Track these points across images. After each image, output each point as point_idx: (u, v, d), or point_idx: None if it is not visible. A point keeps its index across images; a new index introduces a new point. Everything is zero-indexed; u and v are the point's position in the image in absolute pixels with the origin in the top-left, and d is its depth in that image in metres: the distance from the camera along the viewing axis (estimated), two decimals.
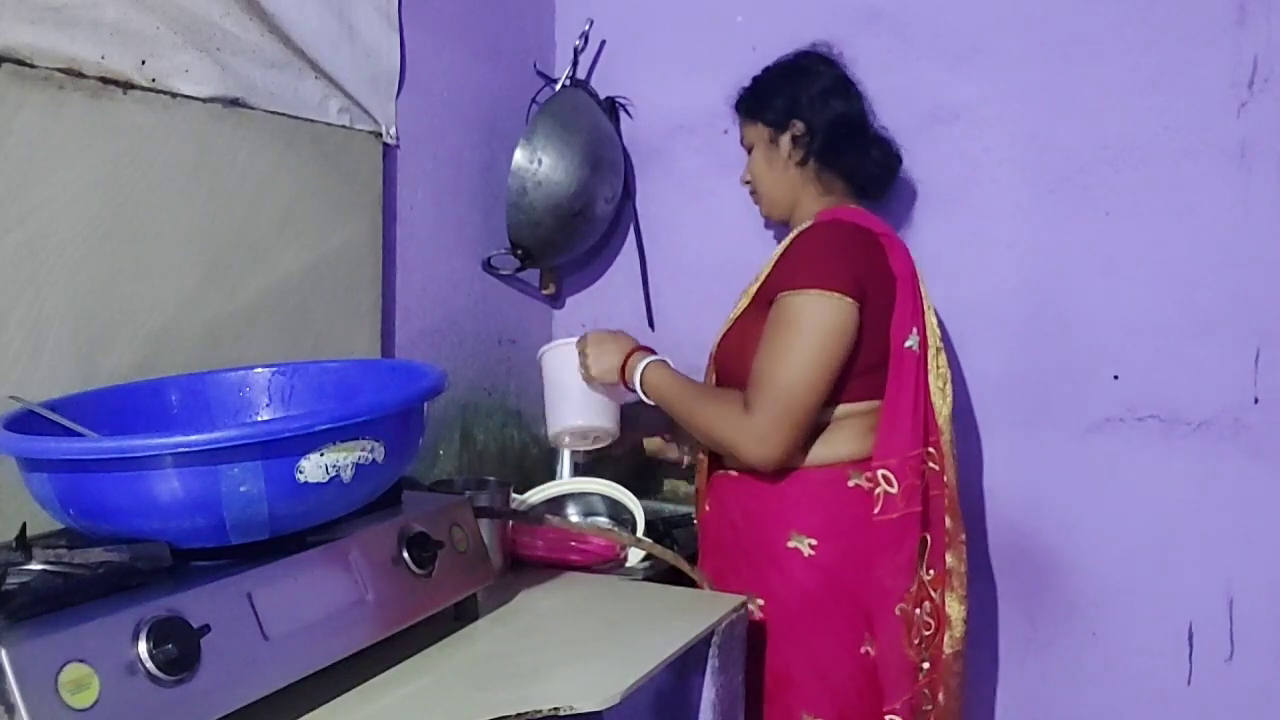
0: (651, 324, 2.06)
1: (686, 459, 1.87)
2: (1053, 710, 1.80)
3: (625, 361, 1.63)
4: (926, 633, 1.51)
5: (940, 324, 1.61)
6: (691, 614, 1.28)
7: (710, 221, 2.03)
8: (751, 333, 1.51)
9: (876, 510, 1.47)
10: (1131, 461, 1.71)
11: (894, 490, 1.47)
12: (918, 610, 1.49)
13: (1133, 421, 1.71)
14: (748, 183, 1.69)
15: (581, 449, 1.82)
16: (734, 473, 1.58)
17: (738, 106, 1.67)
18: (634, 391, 1.63)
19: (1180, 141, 1.65)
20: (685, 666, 1.25)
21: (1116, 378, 1.72)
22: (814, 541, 1.47)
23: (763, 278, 1.56)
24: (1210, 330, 1.65)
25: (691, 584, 1.46)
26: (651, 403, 1.61)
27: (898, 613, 1.47)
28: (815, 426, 1.50)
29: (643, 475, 2.10)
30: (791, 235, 1.57)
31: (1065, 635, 1.78)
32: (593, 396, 1.71)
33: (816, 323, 1.44)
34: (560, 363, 1.72)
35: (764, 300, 1.52)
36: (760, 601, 1.48)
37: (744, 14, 1.97)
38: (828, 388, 1.46)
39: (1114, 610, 1.74)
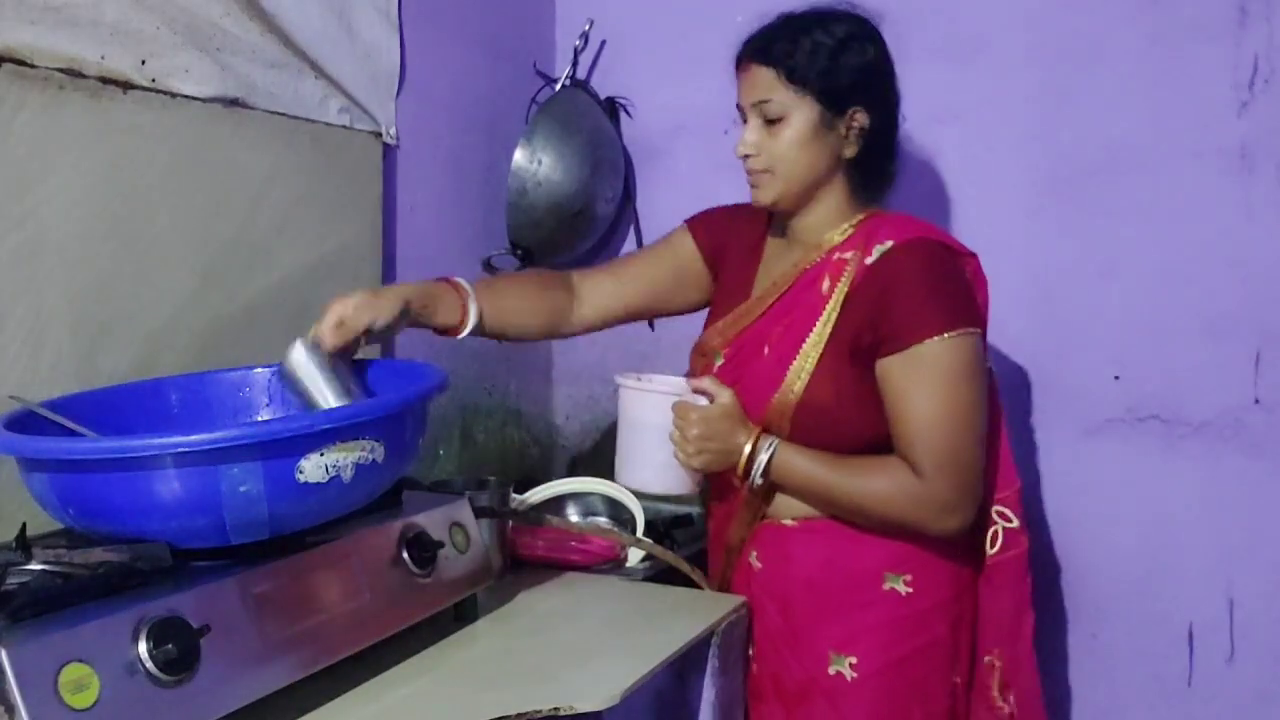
0: (651, 323, 2.06)
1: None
2: (1053, 711, 1.80)
3: (749, 461, 1.32)
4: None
5: None
6: (691, 614, 1.28)
7: None
8: (846, 381, 1.32)
9: (995, 549, 1.37)
10: (1132, 462, 1.71)
11: (1014, 525, 1.37)
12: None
13: (1133, 422, 1.71)
14: (749, 157, 1.36)
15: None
16: (791, 522, 1.38)
17: (761, 56, 1.34)
18: (749, 482, 1.35)
19: (1181, 142, 1.65)
20: (685, 666, 1.25)
21: (1117, 378, 1.72)
22: (909, 577, 1.34)
23: (836, 309, 1.32)
24: (1211, 331, 1.65)
25: (691, 584, 1.45)
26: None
27: (1029, 642, 1.39)
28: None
29: None
30: (874, 259, 1.32)
31: (1065, 636, 1.78)
32: (674, 466, 1.39)
33: (966, 369, 1.28)
34: (650, 413, 1.39)
35: (849, 341, 1.31)
36: (853, 659, 1.32)
37: (744, 14, 1.96)
38: (984, 434, 1.32)
39: (1114, 611, 1.74)
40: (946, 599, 1.37)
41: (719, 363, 1.43)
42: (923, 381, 1.27)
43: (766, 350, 1.38)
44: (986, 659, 1.40)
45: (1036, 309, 1.77)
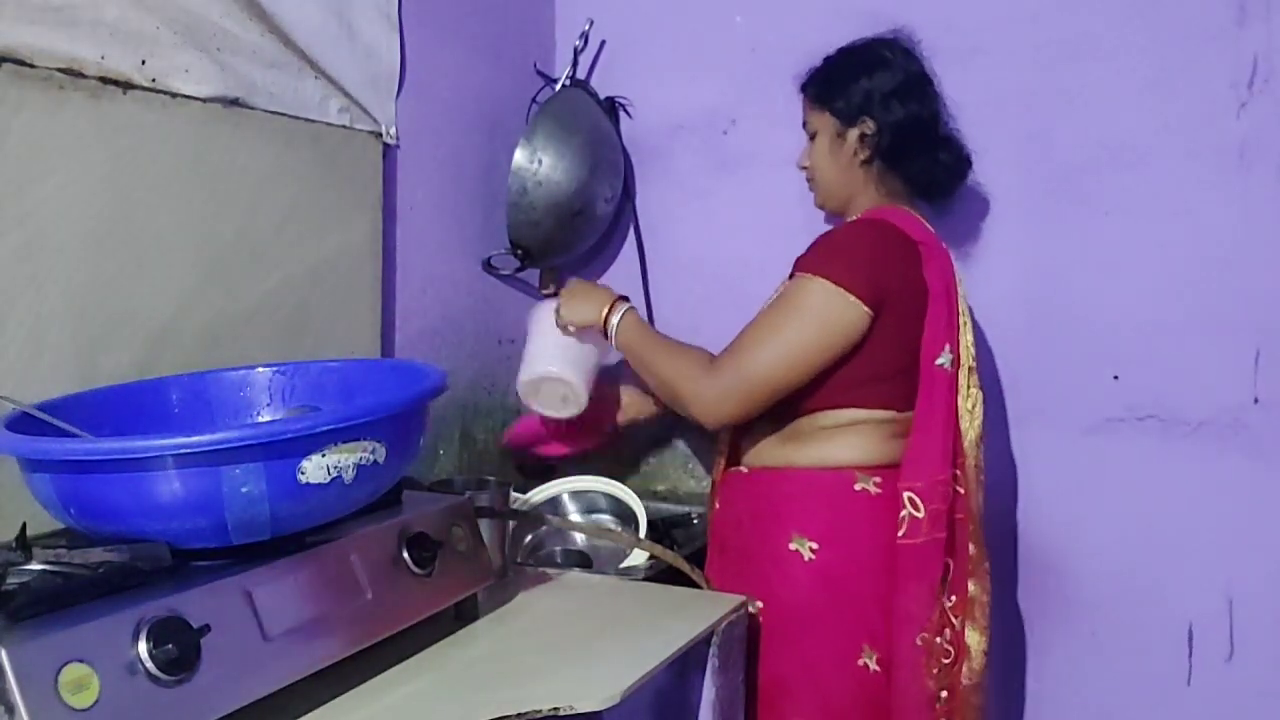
0: (652, 323, 2.06)
1: (654, 414, 1.85)
2: (1052, 710, 1.80)
3: (608, 310, 1.61)
4: (945, 660, 1.44)
5: (977, 342, 1.56)
6: (691, 614, 1.28)
7: (710, 221, 2.03)
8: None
9: (901, 533, 1.42)
10: (1131, 461, 1.71)
11: (920, 515, 1.42)
12: (938, 638, 1.43)
13: (1133, 421, 1.71)
14: (805, 168, 1.64)
15: (550, 413, 1.74)
16: (745, 469, 1.57)
17: (804, 88, 1.62)
18: (608, 338, 1.62)
19: (1180, 141, 1.66)
20: (685, 666, 1.25)
21: (1116, 378, 1.72)
22: (815, 545, 1.44)
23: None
24: (1210, 330, 1.65)
25: (691, 584, 1.45)
26: (619, 353, 1.61)
27: (919, 642, 1.41)
28: (822, 429, 1.49)
29: (645, 474, 2.11)
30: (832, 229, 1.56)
31: (1065, 635, 1.78)
32: (567, 350, 1.67)
33: (814, 312, 1.43)
34: (541, 315, 1.71)
35: None
36: (759, 604, 1.45)
37: (744, 14, 1.97)
38: (800, 378, 1.45)
39: (1114, 610, 1.74)
40: (848, 577, 1.44)
41: None
42: (775, 301, 1.51)
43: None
44: (879, 637, 1.45)
45: (1035, 308, 1.77)
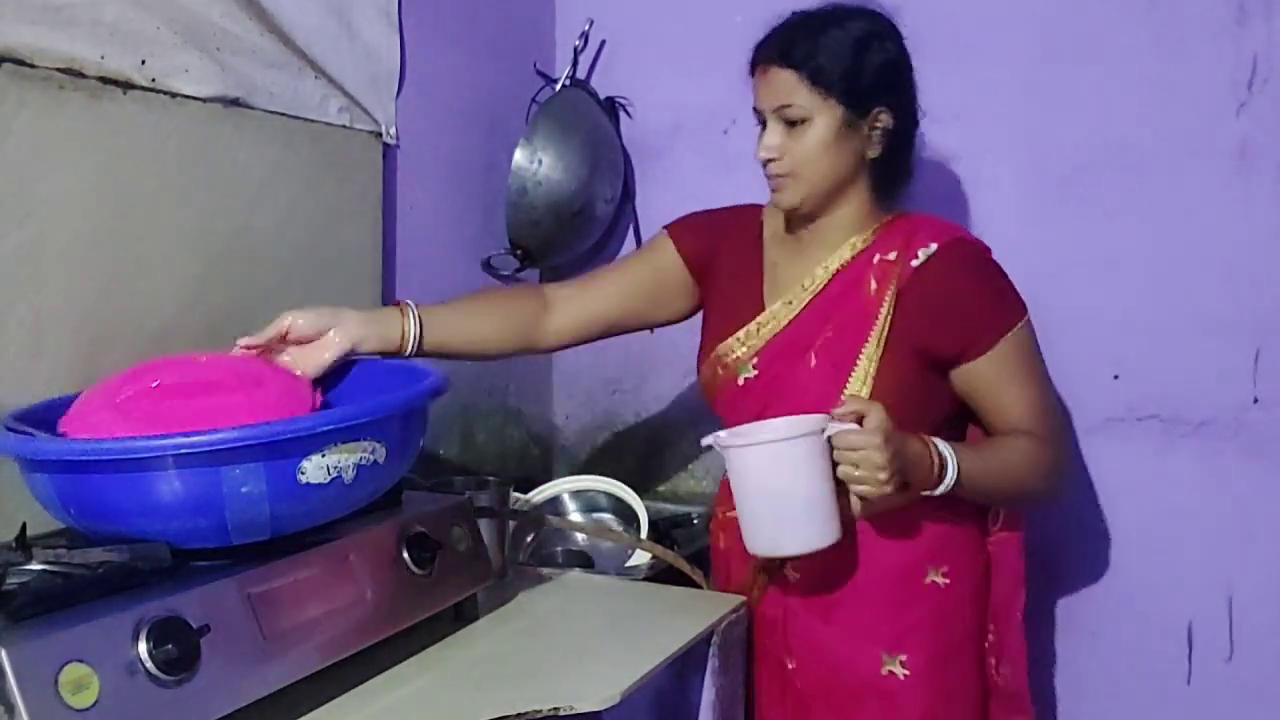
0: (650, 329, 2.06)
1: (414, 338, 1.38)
2: (1052, 709, 1.80)
3: (940, 467, 1.22)
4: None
5: None
6: (691, 614, 1.28)
7: None
8: (910, 384, 1.31)
9: (997, 525, 1.41)
10: (1131, 461, 1.71)
11: None
12: None
13: (1133, 421, 1.71)
14: (774, 160, 1.32)
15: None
16: None
17: (784, 58, 1.30)
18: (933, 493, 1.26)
19: (1180, 141, 1.65)
20: (685, 666, 1.25)
21: (1116, 378, 1.72)
22: (946, 569, 1.35)
23: (889, 311, 1.30)
24: (1210, 330, 1.65)
25: (692, 584, 1.45)
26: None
27: (1020, 616, 1.42)
28: None
29: (645, 473, 2.11)
30: (920, 261, 1.31)
31: (1064, 635, 1.78)
32: (829, 501, 1.20)
33: (1035, 348, 1.37)
34: (786, 466, 1.18)
35: (909, 343, 1.30)
36: (903, 658, 1.32)
37: (743, 14, 1.96)
38: None
39: (1113, 610, 1.74)
40: (975, 585, 1.39)
41: (749, 374, 1.38)
42: (1017, 370, 1.32)
43: (813, 358, 1.34)
44: (991, 634, 1.42)
45: (1035, 308, 1.75)
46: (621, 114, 2.06)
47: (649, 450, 2.12)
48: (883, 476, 1.15)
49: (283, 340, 1.22)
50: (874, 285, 1.33)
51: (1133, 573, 1.72)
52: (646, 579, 1.53)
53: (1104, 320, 1.72)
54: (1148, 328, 1.69)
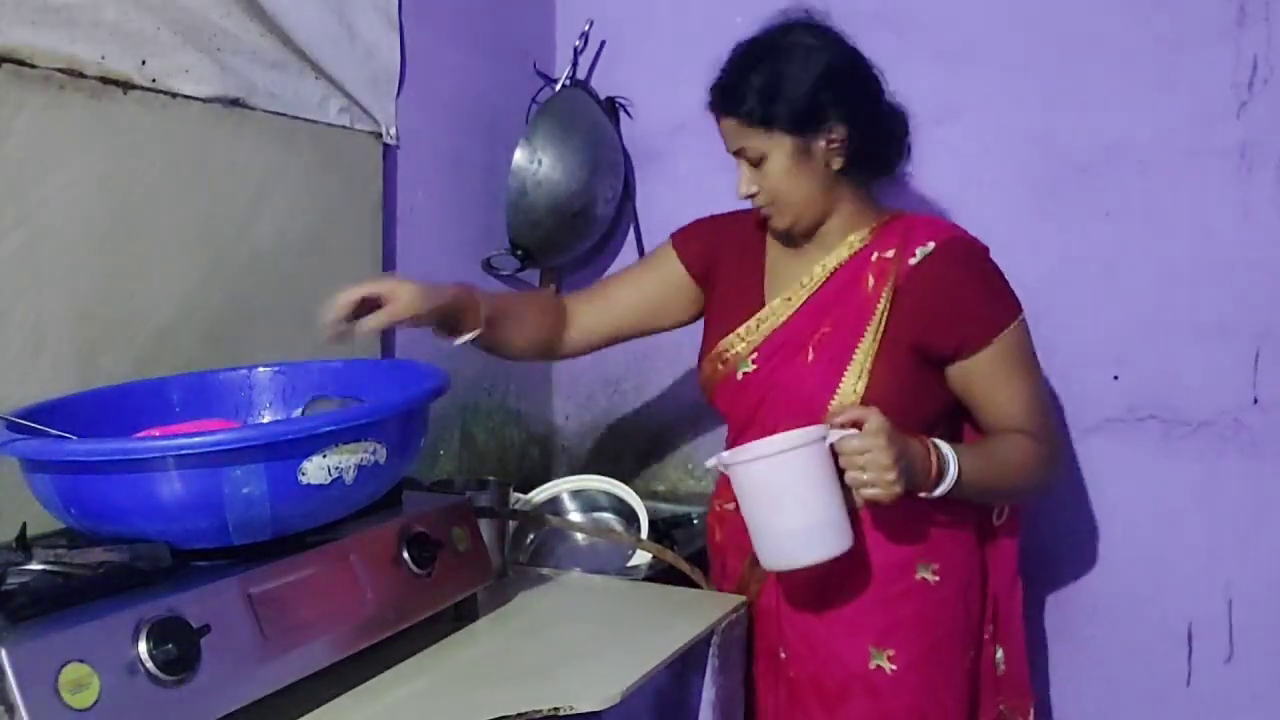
0: None
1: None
2: (1051, 710, 1.80)
3: (940, 466, 1.22)
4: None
5: None
6: (691, 614, 1.28)
7: None
8: (906, 380, 1.32)
9: (1000, 519, 1.44)
10: (1131, 462, 1.71)
11: None
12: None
13: (1133, 422, 1.71)
14: (752, 196, 1.36)
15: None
16: None
17: (723, 108, 1.34)
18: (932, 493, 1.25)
19: (1180, 142, 1.65)
20: (685, 666, 1.25)
21: (1116, 378, 1.72)
22: (937, 565, 1.37)
23: (886, 308, 1.31)
24: (1210, 331, 1.65)
25: (691, 584, 1.45)
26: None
27: (1019, 606, 1.46)
28: None
29: (645, 473, 2.11)
30: (917, 260, 1.32)
31: (1064, 635, 1.78)
32: (837, 509, 1.20)
33: (1030, 345, 1.37)
34: (790, 477, 1.19)
35: (905, 339, 1.31)
36: (890, 652, 1.34)
37: (743, 14, 1.96)
38: None
39: (1113, 611, 1.74)
40: (965, 582, 1.40)
41: (747, 369, 1.40)
42: (1012, 367, 1.33)
43: (811, 353, 1.36)
44: (989, 628, 1.44)
45: (1035, 308, 1.75)
46: (621, 114, 2.06)
47: (649, 450, 2.12)
48: (890, 477, 1.16)
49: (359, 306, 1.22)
50: (872, 282, 1.34)
51: (1133, 573, 1.72)
52: (646, 579, 1.53)
53: (1104, 320, 1.72)
54: (1148, 328, 1.69)
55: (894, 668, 1.34)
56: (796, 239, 1.42)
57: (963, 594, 1.40)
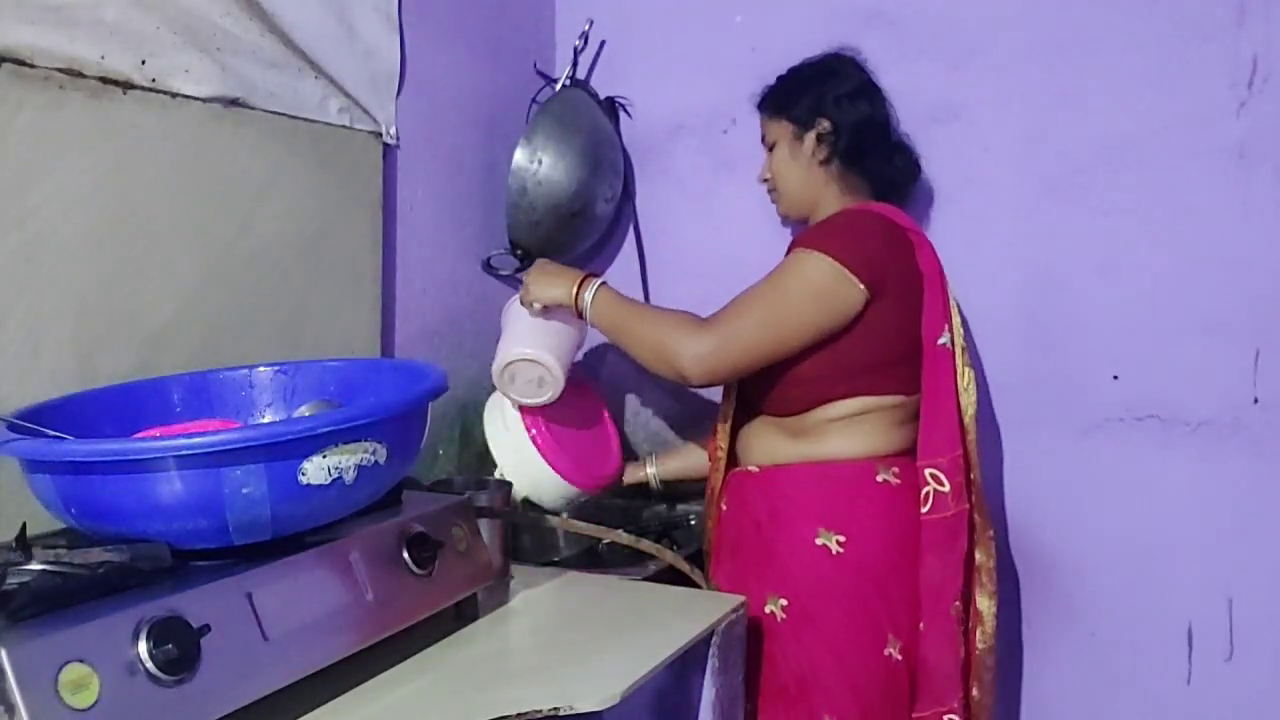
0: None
1: (655, 476, 1.87)
2: (1051, 710, 1.80)
3: (577, 286, 1.56)
4: (961, 629, 1.51)
5: (964, 323, 1.62)
6: (691, 614, 1.28)
7: (710, 221, 2.03)
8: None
9: (926, 509, 1.48)
10: (1131, 461, 1.71)
11: (945, 489, 1.48)
12: (961, 605, 1.50)
13: (1132, 421, 1.71)
14: (766, 180, 1.68)
15: (528, 401, 1.66)
16: (754, 469, 1.58)
17: (761, 104, 1.66)
18: (582, 317, 1.57)
19: (1180, 141, 1.66)
20: (685, 666, 1.25)
21: (1116, 378, 1.72)
22: (842, 538, 1.46)
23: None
24: (1210, 330, 1.65)
25: (691, 584, 1.46)
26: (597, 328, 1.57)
27: (952, 612, 1.48)
28: (832, 421, 1.51)
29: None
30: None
31: (1064, 635, 1.78)
32: (538, 331, 1.62)
33: (811, 285, 1.45)
34: (512, 303, 1.69)
35: None
36: (784, 602, 1.47)
37: (743, 14, 1.97)
38: (788, 348, 1.47)
39: (1113, 610, 1.74)
40: (876, 568, 1.46)
41: None
42: (771, 278, 1.50)
43: None
44: (921, 625, 1.49)
45: (1035, 308, 1.77)
46: (621, 114, 2.06)
47: (649, 449, 2.11)
48: (528, 291, 1.60)
49: None
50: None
51: (1132, 573, 1.72)
52: (646, 579, 1.53)
53: (1103, 319, 1.72)
54: (1148, 328, 1.69)
55: (784, 617, 1.47)
56: (796, 225, 1.64)
57: (875, 572, 1.46)
